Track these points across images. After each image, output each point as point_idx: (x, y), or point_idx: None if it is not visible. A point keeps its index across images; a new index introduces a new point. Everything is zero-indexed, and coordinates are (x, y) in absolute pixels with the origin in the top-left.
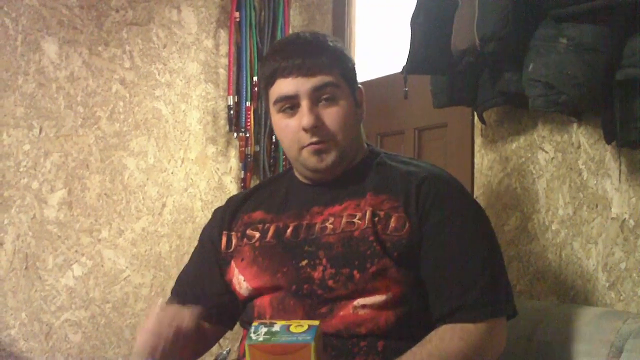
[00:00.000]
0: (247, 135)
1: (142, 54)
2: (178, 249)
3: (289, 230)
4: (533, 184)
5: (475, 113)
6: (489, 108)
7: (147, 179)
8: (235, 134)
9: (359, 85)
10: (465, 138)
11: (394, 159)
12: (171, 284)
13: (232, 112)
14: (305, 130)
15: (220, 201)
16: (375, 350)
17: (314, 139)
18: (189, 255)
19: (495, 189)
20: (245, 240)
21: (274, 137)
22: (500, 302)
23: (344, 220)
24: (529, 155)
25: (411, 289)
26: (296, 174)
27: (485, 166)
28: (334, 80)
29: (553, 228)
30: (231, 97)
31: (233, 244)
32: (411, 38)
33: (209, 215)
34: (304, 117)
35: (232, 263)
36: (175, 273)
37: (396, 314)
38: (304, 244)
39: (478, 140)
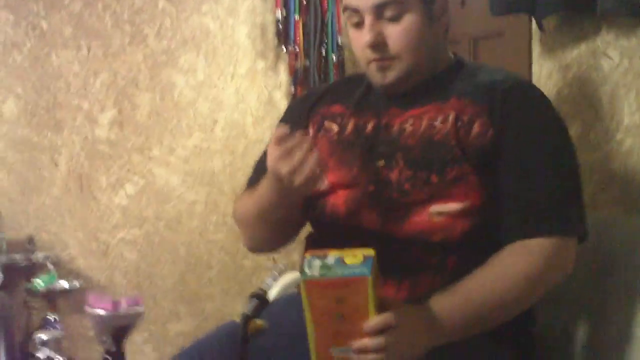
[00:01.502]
0: (297, 49)
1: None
2: (231, 165)
3: (368, 127)
4: (596, 92)
5: (534, 20)
6: (550, 14)
7: (197, 95)
8: (284, 48)
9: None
10: (523, 47)
11: (482, 68)
12: (225, 200)
13: (280, 25)
14: (366, 47)
15: (271, 117)
16: (444, 267)
17: (375, 56)
18: (242, 172)
19: (555, 98)
20: (322, 132)
21: (323, 50)
22: (571, 220)
23: (424, 122)
24: (592, 62)
25: (489, 198)
26: None
27: (545, 75)
28: None
29: (617, 137)
30: (279, 10)
31: (310, 134)
32: None
33: (260, 131)
34: (365, 34)
35: None
36: (228, 189)
37: (472, 224)
38: (381, 144)
39: (536, 49)
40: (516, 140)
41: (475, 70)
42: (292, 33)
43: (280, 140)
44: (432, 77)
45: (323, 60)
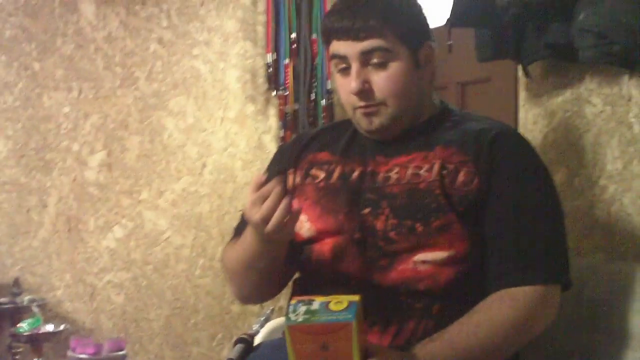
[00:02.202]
0: (286, 93)
1: (179, 12)
2: (219, 208)
3: (354, 175)
4: (580, 138)
5: (520, 67)
6: (535, 61)
7: (187, 139)
8: (274, 92)
9: (430, 42)
10: (509, 92)
11: (467, 117)
12: (212, 244)
13: (270, 69)
14: (352, 94)
15: (261, 160)
16: (429, 313)
17: (362, 103)
18: (230, 216)
19: (541, 144)
20: (308, 179)
21: (313, 94)
22: (555, 269)
23: (409, 171)
24: (576, 109)
25: (474, 247)
26: None
27: (530, 121)
28: (385, 44)
29: (601, 183)
30: (270, 54)
31: (297, 182)
32: None
33: (249, 175)
34: (351, 81)
35: (295, 202)
36: (216, 233)
37: (457, 272)
38: (367, 191)
39: (522, 95)
40: (501, 188)
41: (461, 118)
42: (282, 77)
43: (256, 187)
44: (417, 124)
45: (312, 104)
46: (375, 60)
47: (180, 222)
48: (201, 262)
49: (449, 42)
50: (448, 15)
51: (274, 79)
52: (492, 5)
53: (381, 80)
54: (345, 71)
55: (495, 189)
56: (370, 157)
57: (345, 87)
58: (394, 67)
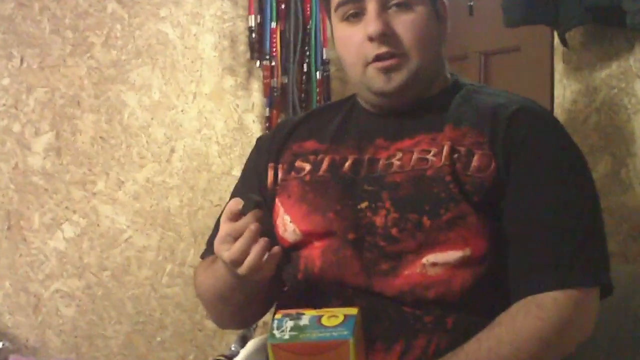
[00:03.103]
0: (273, 63)
1: None
2: (190, 203)
3: (347, 164)
4: (628, 121)
5: (556, 33)
6: (574, 27)
7: (152, 118)
8: (258, 63)
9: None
10: (543, 64)
11: (482, 90)
12: (183, 246)
13: (254, 35)
14: (371, 39)
15: (242, 145)
16: (442, 327)
17: (382, 50)
18: (204, 212)
19: (580, 127)
20: (293, 173)
21: (305, 65)
22: (591, 269)
23: (415, 156)
24: (623, 85)
25: (495, 244)
26: (359, 100)
27: (568, 99)
28: None
29: None
30: (253, 16)
31: (279, 177)
32: None
33: (227, 162)
34: (370, 23)
35: (277, 201)
36: (187, 233)
37: (474, 276)
38: (364, 182)
39: (559, 67)
40: (524, 174)
41: (475, 92)
42: (267, 44)
43: (229, 216)
44: (425, 99)
45: (305, 77)
46: (397, 1)
47: (143, 220)
48: (169, 268)
49: (470, 3)
50: None
51: (257, 47)
52: None
53: (406, 24)
54: (355, 18)
55: (516, 176)
56: (367, 141)
57: (355, 38)
58: (420, 11)
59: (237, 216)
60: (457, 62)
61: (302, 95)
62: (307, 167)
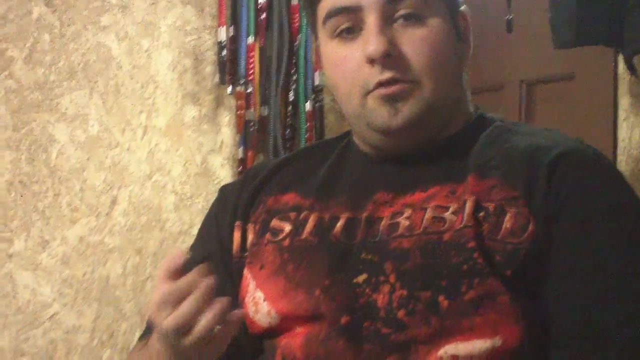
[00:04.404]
0: (249, 90)
1: None
2: (136, 270)
3: (338, 225)
4: None
5: (620, 57)
6: None
7: (88, 158)
8: (229, 89)
9: (463, 8)
10: (603, 97)
11: (515, 129)
12: (125, 326)
13: (224, 52)
14: (371, 61)
15: (205, 196)
16: None
17: (386, 75)
18: (155, 281)
19: None
20: (267, 236)
21: (291, 93)
22: None
23: (428, 214)
24: None
25: (532, 331)
26: (356, 140)
27: (636, 143)
28: None
29: None
30: (224, 28)
31: (248, 242)
32: None
33: (186, 218)
34: (370, 40)
35: (246, 272)
36: (131, 310)
37: None
38: (361, 249)
39: (624, 101)
40: (572, 240)
41: (507, 131)
42: (242, 64)
43: (169, 275)
44: (444, 137)
45: (290, 109)
46: (405, 12)
47: (74, 291)
48: (107, 356)
49: (508, 17)
50: None
51: (229, 68)
52: None
53: (417, 43)
54: (350, 34)
55: (562, 242)
56: (365, 195)
57: (350, 59)
58: (434, 25)
59: (178, 274)
60: (491, 94)
61: (287, 131)
62: (287, 228)
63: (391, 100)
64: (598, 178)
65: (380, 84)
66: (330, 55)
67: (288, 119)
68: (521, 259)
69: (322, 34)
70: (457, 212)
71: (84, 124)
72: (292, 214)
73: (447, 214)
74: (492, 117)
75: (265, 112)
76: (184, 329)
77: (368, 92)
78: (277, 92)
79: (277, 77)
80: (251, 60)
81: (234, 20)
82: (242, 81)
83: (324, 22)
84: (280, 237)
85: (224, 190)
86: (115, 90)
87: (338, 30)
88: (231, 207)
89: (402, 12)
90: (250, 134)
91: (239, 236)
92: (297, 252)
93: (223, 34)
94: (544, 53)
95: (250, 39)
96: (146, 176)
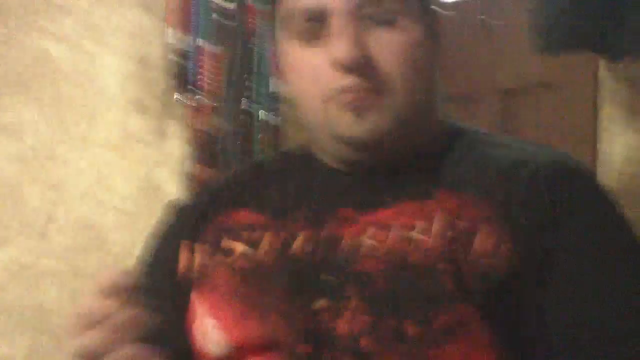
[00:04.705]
0: (202, 98)
1: None
2: (75, 296)
3: (296, 243)
4: None
5: (603, 64)
6: (631, 56)
7: (22, 173)
8: (178, 96)
9: (434, 8)
10: (585, 107)
11: (490, 140)
12: (62, 358)
13: (173, 57)
14: (339, 67)
15: (151, 213)
16: None
17: (353, 81)
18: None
19: (636, 193)
20: (218, 256)
21: (245, 101)
22: None
23: (394, 233)
24: None
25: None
26: (316, 151)
27: (619, 155)
28: None
29: None
30: (174, 30)
31: (197, 262)
32: None
33: (129, 239)
34: (337, 43)
35: (194, 296)
36: (68, 339)
37: None
38: (322, 270)
39: (606, 111)
40: (556, 261)
41: (482, 142)
42: (194, 69)
43: (102, 293)
44: (413, 147)
45: (244, 118)
46: (375, 14)
47: (5, 318)
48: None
49: (481, 17)
50: None
51: (180, 74)
52: None
53: (389, 47)
54: (312, 37)
55: (545, 264)
56: (327, 211)
57: (314, 62)
58: (407, 26)
59: (112, 294)
60: (467, 104)
61: (243, 144)
62: (240, 247)
63: (357, 107)
64: (580, 191)
65: (345, 90)
66: (290, 59)
67: (243, 130)
68: (496, 281)
69: (282, 35)
70: (425, 231)
71: (19, 135)
72: (246, 232)
73: (414, 233)
74: (465, 127)
75: (219, 122)
76: (86, 356)
77: (331, 98)
78: (229, 100)
79: (230, 84)
80: (202, 66)
81: (185, 21)
82: (194, 89)
83: (284, 21)
84: (232, 257)
85: (170, 209)
86: (54, 98)
87: (299, 32)
88: (176, 226)
89: (372, 14)
90: (201, 147)
91: (186, 257)
92: (251, 274)
93: (173, 36)
94: (523, 58)
95: (202, 42)
96: (86, 192)
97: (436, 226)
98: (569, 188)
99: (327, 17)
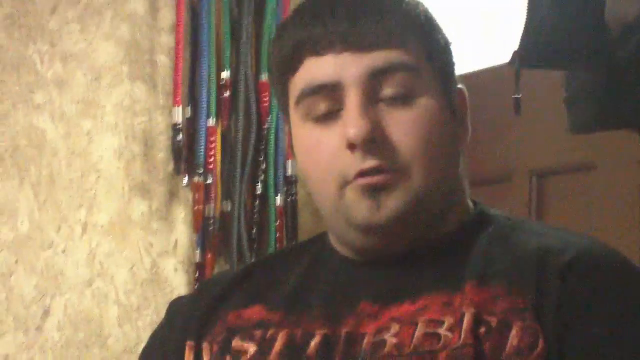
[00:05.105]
0: (209, 181)
1: (10, 21)
2: None
3: (313, 344)
4: None
5: None
6: None
7: (16, 261)
8: (185, 179)
9: (459, 86)
10: (631, 191)
11: (521, 227)
12: None
13: (180, 137)
14: (352, 147)
15: (155, 307)
16: None
17: (369, 164)
18: None
19: None
20: (228, 358)
21: (259, 185)
22: None
23: (419, 330)
24: None
25: None
26: (332, 241)
27: None
28: (411, 60)
29: None
30: (179, 108)
31: None
32: (529, 3)
33: (132, 334)
34: (350, 122)
35: None
36: None
37: None
38: None
39: None
40: (592, 349)
41: (512, 229)
42: (202, 151)
43: None
44: (438, 236)
45: (258, 203)
46: (391, 91)
47: None
48: None
49: (516, 96)
50: (516, 47)
51: (186, 155)
52: (600, 28)
53: (405, 126)
54: (328, 116)
55: (580, 353)
56: (345, 306)
57: (327, 145)
58: (425, 104)
59: None
60: (496, 186)
61: (254, 230)
62: (252, 348)
63: (374, 192)
64: (619, 283)
65: (362, 174)
66: (304, 140)
67: (255, 216)
68: None
69: (295, 115)
70: (454, 328)
71: (12, 220)
72: (258, 332)
73: (443, 330)
74: (494, 213)
75: (228, 207)
76: None
77: (347, 183)
78: (242, 183)
79: (243, 165)
80: (212, 145)
81: (192, 98)
82: (200, 170)
83: (297, 102)
84: None
85: (174, 306)
86: (49, 181)
87: (314, 111)
88: (181, 325)
89: (388, 90)
90: (209, 234)
91: (191, 359)
92: None
93: (179, 115)
94: (557, 139)
95: (211, 121)
96: (85, 283)
97: (466, 322)
98: (602, 277)
99: (341, 92)
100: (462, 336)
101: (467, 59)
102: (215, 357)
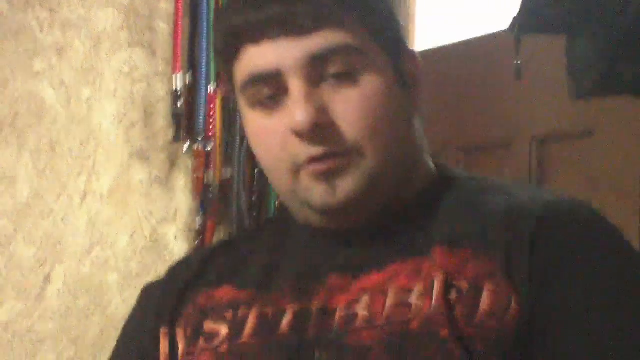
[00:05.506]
0: (209, 148)
1: None
2: None
3: (285, 320)
4: None
5: None
6: None
7: (15, 229)
8: (185, 146)
9: (411, 49)
10: (630, 157)
11: (485, 186)
12: None
13: (180, 103)
14: (298, 134)
15: (156, 273)
16: None
17: (318, 150)
18: None
19: None
20: (201, 341)
21: None
22: None
23: (390, 299)
24: None
25: None
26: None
27: None
28: (351, 40)
29: None
30: (179, 74)
31: (180, 350)
32: None
33: (130, 302)
34: (295, 109)
35: None
36: None
37: None
38: (314, 347)
39: None
40: (568, 314)
41: (478, 190)
42: (202, 118)
43: None
44: (402, 203)
45: (257, 170)
46: (336, 70)
47: None
48: None
49: (516, 62)
50: (515, 14)
51: (186, 122)
52: None
53: (352, 106)
54: (272, 104)
55: (554, 317)
56: (314, 280)
57: (273, 132)
58: (370, 81)
59: None
60: (496, 151)
61: (254, 197)
62: (223, 330)
63: (327, 176)
64: (593, 239)
65: (312, 160)
66: (253, 126)
67: (255, 183)
68: (506, 343)
69: (241, 101)
70: (425, 294)
71: (11, 189)
72: (229, 313)
73: (413, 298)
74: (458, 174)
75: (228, 174)
76: None
77: (299, 167)
78: (241, 150)
79: (243, 132)
80: (212, 112)
81: (192, 65)
82: (200, 137)
83: (241, 91)
84: (216, 342)
85: (146, 291)
86: (48, 148)
87: (259, 98)
88: (153, 311)
89: (331, 70)
90: (209, 201)
91: (166, 345)
92: (237, 358)
93: (179, 82)
94: (558, 105)
95: (211, 88)
96: (85, 251)
97: (436, 288)
98: (576, 235)
99: (283, 78)
100: (433, 303)
101: (467, 26)
102: (190, 341)
